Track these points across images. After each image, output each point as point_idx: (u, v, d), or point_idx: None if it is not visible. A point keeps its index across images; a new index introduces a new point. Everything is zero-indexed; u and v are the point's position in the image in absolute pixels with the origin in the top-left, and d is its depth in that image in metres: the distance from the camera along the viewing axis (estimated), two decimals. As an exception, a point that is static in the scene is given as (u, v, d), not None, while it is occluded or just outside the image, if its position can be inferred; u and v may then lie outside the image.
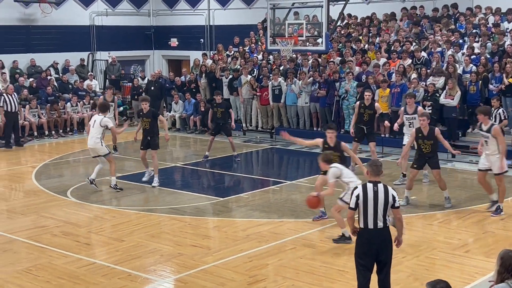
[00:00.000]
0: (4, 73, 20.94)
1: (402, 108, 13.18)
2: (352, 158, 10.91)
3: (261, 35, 21.75)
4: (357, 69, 17.59)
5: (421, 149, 11.17)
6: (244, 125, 19.70)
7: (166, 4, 26.12)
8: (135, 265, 8.69)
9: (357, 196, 6.63)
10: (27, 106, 19.20)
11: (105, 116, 12.60)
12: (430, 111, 14.46)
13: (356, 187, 6.83)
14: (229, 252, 9.11)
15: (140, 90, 21.73)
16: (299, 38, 17.66)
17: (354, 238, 6.95)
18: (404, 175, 12.82)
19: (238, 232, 10.08)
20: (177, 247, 9.40)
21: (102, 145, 12.51)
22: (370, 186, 6.64)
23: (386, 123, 15.49)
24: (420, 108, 13.02)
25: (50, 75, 21.83)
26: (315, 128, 18.05)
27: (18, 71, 21.55)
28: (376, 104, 14.00)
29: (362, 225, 6.64)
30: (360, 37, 19.21)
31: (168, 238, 9.81)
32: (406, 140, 12.34)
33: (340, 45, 19.29)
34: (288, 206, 11.64)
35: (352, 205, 6.70)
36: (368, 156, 13.96)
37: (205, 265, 8.62)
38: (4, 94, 17.81)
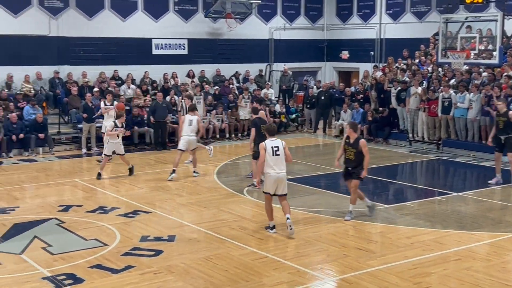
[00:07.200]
0: (193, 81, 22.34)
1: None
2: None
3: (431, 48, 21.04)
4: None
5: None
6: (410, 135, 19.17)
7: (340, 19, 26.22)
8: (304, 262, 8.84)
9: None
10: (213, 112, 20.34)
11: None
12: None
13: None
14: (393, 258, 8.94)
15: (313, 100, 22.01)
16: (472, 52, 16.87)
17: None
18: None
19: (402, 239, 9.84)
20: (343, 248, 9.40)
21: None
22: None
23: None
24: None
25: (232, 84, 22.93)
26: (483, 141, 17.02)
27: (205, 79, 22.91)
28: (511, 112, 13.32)
29: None
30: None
31: (334, 240, 9.84)
32: None
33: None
34: (454, 217, 11.14)
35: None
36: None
37: (370, 268, 8.53)
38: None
